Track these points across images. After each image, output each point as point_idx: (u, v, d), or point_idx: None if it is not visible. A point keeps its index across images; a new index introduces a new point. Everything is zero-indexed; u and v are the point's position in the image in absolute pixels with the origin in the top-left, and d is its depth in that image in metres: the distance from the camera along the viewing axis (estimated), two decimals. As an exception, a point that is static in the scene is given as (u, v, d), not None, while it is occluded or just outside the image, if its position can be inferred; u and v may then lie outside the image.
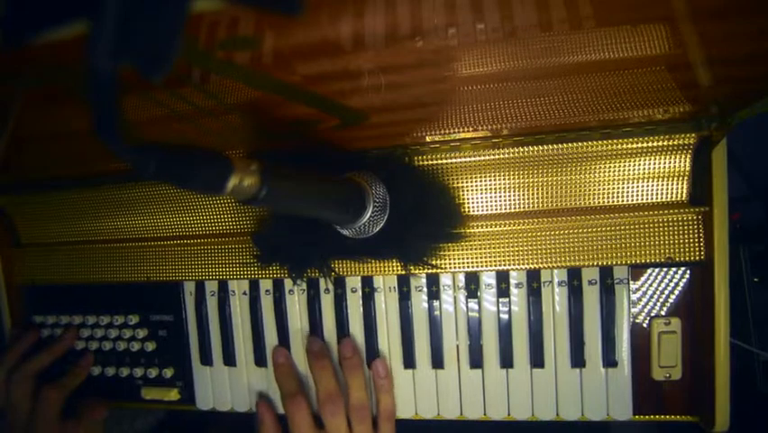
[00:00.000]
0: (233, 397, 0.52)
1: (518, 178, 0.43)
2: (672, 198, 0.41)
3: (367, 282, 0.47)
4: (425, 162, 0.44)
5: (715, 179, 0.39)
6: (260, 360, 0.50)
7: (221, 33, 0.23)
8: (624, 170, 0.41)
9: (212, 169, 0.22)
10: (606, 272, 0.43)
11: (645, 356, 0.43)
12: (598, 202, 0.42)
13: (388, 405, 0.46)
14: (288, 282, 0.49)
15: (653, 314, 0.43)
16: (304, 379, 0.49)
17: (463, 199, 0.44)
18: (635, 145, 0.40)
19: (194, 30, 0.22)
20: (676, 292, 0.42)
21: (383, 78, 0.30)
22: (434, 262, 0.44)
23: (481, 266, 0.44)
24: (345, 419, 0.44)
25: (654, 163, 0.40)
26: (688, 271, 0.42)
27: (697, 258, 0.41)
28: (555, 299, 0.44)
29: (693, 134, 0.39)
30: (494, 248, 0.44)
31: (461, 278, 0.46)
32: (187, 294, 0.52)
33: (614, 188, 0.42)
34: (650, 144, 0.40)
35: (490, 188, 0.44)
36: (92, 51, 0.16)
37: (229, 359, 0.51)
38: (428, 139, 0.42)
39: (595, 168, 0.41)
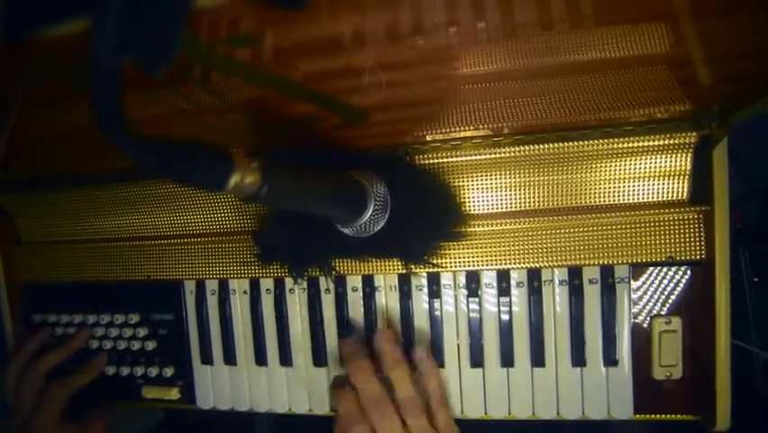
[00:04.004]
0: (233, 396, 0.52)
1: (519, 176, 0.43)
2: (672, 197, 0.41)
3: (368, 281, 0.47)
4: (426, 161, 0.44)
5: (716, 179, 0.39)
6: (260, 359, 0.50)
7: (223, 30, 0.23)
8: (624, 169, 0.41)
9: (213, 165, 0.22)
10: (607, 271, 0.43)
11: (646, 355, 0.43)
12: (599, 201, 0.42)
13: (436, 388, 0.41)
14: (288, 281, 0.49)
15: (653, 313, 0.43)
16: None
17: (464, 198, 0.44)
18: (635, 144, 0.40)
19: (195, 26, 0.22)
20: (677, 291, 0.42)
21: (384, 77, 0.30)
22: (434, 261, 0.44)
23: (482, 265, 0.44)
24: (398, 417, 0.39)
25: (655, 162, 0.40)
26: (689, 271, 0.42)
27: (697, 257, 0.41)
28: (556, 299, 0.44)
29: (694, 133, 0.39)
30: (495, 247, 0.44)
31: (462, 277, 0.45)
32: (187, 293, 0.52)
33: (614, 187, 0.42)
34: (651, 143, 0.40)
35: (491, 187, 0.44)
36: (95, 46, 0.16)
37: (229, 358, 0.51)
38: (429, 138, 0.42)
39: (596, 167, 0.41)
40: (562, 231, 0.42)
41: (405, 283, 0.46)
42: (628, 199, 0.42)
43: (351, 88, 0.32)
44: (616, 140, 0.40)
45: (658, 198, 0.42)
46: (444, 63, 0.29)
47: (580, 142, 0.40)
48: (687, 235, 0.41)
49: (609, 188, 0.42)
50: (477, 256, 0.44)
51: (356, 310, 0.48)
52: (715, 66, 0.30)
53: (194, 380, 0.53)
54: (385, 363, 0.42)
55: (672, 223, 0.41)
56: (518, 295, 0.45)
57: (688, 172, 0.41)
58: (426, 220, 0.41)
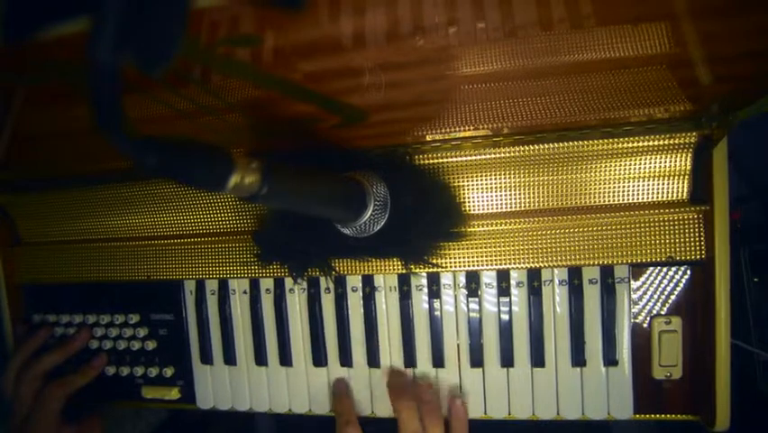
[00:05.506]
0: (233, 396, 0.52)
1: (519, 176, 0.43)
2: (672, 196, 0.41)
3: (368, 281, 0.47)
4: (426, 161, 0.43)
5: (716, 178, 0.39)
6: (260, 359, 0.50)
7: (222, 30, 0.23)
8: (624, 169, 0.41)
9: (213, 166, 0.22)
10: (606, 271, 0.43)
11: (646, 355, 0.43)
12: (599, 201, 0.42)
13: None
14: (288, 281, 0.49)
15: (653, 313, 0.43)
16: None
17: (464, 198, 0.44)
18: (635, 144, 0.40)
19: (195, 26, 0.22)
20: (677, 291, 0.42)
21: (384, 77, 0.30)
22: (434, 261, 0.44)
23: (482, 265, 0.44)
24: None
25: (655, 162, 0.40)
26: (688, 270, 0.42)
27: (697, 257, 0.41)
28: (556, 299, 0.44)
29: (694, 133, 0.39)
30: (495, 247, 0.44)
31: (462, 277, 0.45)
32: (187, 293, 0.52)
33: (614, 187, 0.42)
34: (651, 143, 0.40)
35: (491, 187, 0.44)
36: (93, 47, 0.16)
37: (229, 358, 0.51)
38: (429, 138, 0.42)
39: (596, 167, 0.41)
40: (562, 231, 0.42)
41: (405, 283, 0.46)
42: (628, 199, 0.42)
43: (351, 88, 0.32)
44: (616, 140, 0.40)
45: (658, 197, 0.41)
46: (444, 63, 0.29)
47: (580, 142, 0.40)
48: (687, 235, 0.41)
49: (609, 188, 0.42)
50: (477, 256, 0.44)
51: (356, 310, 0.48)
52: (715, 66, 0.30)
53: (194, 380, 0.53)
54: (425, 412, 0.43)
55: (671, 223, 0.41)
56: (518, 295, 0.44)
57: (688, 172, 0.41)
58: (426, 220, 0.41)
